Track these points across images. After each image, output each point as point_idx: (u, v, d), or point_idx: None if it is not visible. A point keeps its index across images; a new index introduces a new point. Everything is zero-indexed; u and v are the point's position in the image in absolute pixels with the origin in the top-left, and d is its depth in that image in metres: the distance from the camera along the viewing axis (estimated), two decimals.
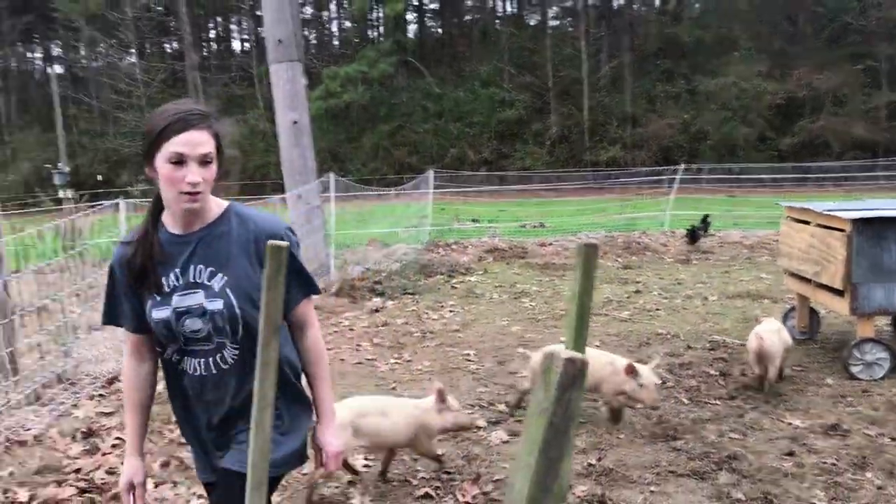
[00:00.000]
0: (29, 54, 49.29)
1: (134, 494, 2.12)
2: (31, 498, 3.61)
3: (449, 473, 3.92)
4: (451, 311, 7.84)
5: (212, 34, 47.19)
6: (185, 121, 1.90)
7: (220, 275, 1.99)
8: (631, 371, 4.38)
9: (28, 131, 39.08)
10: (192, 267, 1.99)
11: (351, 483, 3.87)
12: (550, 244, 12.47)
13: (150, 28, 38.35)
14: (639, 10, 38.93)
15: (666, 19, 36.76)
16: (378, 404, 3.84)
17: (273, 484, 2.17)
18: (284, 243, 1.81)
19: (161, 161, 1.89)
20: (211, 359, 2.05)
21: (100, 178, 31.03)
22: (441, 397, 3.77)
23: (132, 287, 2.02)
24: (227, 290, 2.00)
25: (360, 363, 6.13)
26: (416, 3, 42.42)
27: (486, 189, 17.62)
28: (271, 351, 1.89)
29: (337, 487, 3.81)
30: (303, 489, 3.71)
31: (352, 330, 7.22)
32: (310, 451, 2.25)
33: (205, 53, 43.42)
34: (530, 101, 32.69)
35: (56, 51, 48.17)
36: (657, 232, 13.77)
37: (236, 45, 46.43)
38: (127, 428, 2.17)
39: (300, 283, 2.10)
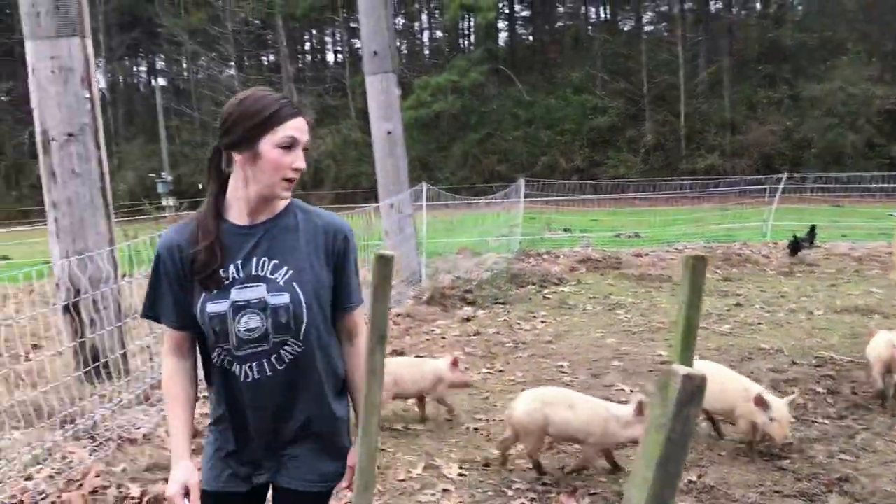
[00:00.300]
0: (135, 68, 51.85)
1: (189, 499, 1.97)
2: (143, 494, 3.77)
3: (545, 485, 3.88)
4: (543, 322, 7.78)
5: (307, 46, 48.51)
6: (295, 106, 1.90)
7: (284, 268, 1.92)
8: (760, 403, 4.01)
9: (133, 142, 41.04)
10: (254, 259, 1.91)
11: (445, 491, 3.89)
12: (646, 255, 12.22)
13: (249, 41, 39.75)
14: (738, 14, 37.81)
15: (767, 22, 35.55)
16: (568, 397, 4.06)
17: (326, 498, 2.10)
18: (392, 253, 1.83)
19: (269, 145, 1.84)
20: (265, 360, 1.95)
21: (200, 186, 32.27)
22: (640, 410, 3.73)
23: (181, 278, 1.92)
24: (294, 284, 1.92)
25: None
26: (507, 12, 42.49)
27: (578, 198, 17.42)
28: (377, 358, 1.92)
29: (433, 495, 3.83)
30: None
31: (443, 338, 7.26)
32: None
33: (300, 65, 44.69)
34: (624, 108, 32.19)
35: (160, 64, 50.58)
36: (758, 243, 13.30)
37: (330, 57, 47.58)
38: (172, 430, 2.01)
39: (350, 290, 2.06)
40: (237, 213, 1.93)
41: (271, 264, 1.91)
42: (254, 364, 1.93)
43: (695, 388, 1.06)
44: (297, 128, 1.87)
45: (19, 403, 4.58)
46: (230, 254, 1.90)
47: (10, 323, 5.83)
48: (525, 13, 44.91)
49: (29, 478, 4.13)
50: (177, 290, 1.94)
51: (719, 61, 33.04)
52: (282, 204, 1.97)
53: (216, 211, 1.93)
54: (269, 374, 1.94)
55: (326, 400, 2.04)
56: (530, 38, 44.75)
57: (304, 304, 1.93)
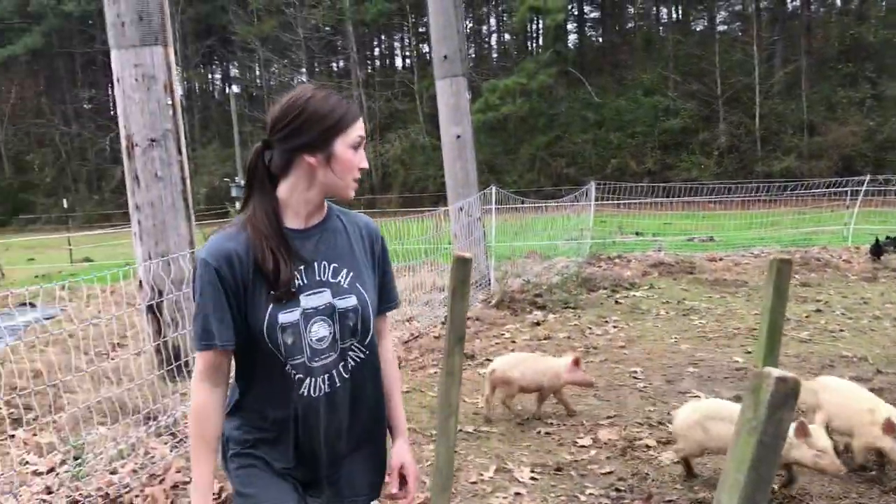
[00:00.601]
0: (210, 76, 53.35)
1: None
2: (221, 490, 3.87)
3: (619, 491, 3.83)
4: (615, 327, 7.68)
5: (376, 52, 49.08)
6: (357, 106, 1.90)
7: (345, 270, 1.88)
8: (891, 429, 3.64)
9: (208, 147, 42.20)
10: (316, 264, 1.85)
11: (517, 494, 3.87)
12: (720, 259, 11.94)
13: (319, 48, 40.45)
14: (816, 11, 36.64)
15: (848, 19, 34.35)
16: (731, 411, 3.83)
17: None
18: (470, 255, 1.86)
19: (344, 146, 1.81)
20: (335, 371, 1.88)
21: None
22: (802, 432, 3.52)
23: (238, 291, 1.78)
24: (358, 286, 1.90)
25: None
26: (576, 13, 42.16)
27: (649, 200, 17.13)
28: (456, 359, 1.93)
29: (505, 498, 3.82)
30: None
31: (513, 342, 7.24)
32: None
33: (369, 70, 45.24)
34: (697, 110, 31.54)
35: (234, 72, 51.93)
36: (839, 247, 12.85)
37: (398, 62, 48.03)
38: (200, 468, 1.83)
39: (391, 289, 2.08)
40: (292, 217, 1.86)
41: (331, 268, 1.87)
42: (325, 376, 1.87)
43: (788, 390, 1.04)
44: (362, 128, 1.87)
45: (105, 400, 4.76)
46: (293, 259, 1.82)
47: (95, 322, 6.07)
48: (594, 14, 44.49)
49: (114, 472, 4.30)
50: (234, 304, 1.79)
51: (796, 60, 32.07)
52: (326, 207, 1.94)
53: (277, 214, 1.84)
54: (338, 384, 1.89)
55: (381, 406, 2.04)
56: (600, 39, 44.29)
57: (370, 306, 1.92)
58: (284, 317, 1.78)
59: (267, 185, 1.85)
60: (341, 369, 1.88)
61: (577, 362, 4.93)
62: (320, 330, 1.83)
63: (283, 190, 1.85)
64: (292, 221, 1.85)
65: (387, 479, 2.05)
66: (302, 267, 1.82)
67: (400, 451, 2.06)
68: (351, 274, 1.88)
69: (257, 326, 1.78)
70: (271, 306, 1.78)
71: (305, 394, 1.84)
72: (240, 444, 1.90)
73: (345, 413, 1.91)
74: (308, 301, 1.82)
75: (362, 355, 1.93)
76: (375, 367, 1.99)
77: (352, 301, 1.86)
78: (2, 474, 4.19)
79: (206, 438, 1.82)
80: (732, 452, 1.12)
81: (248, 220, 1.82)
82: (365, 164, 1.87)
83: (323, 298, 1.84)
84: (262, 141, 1.86)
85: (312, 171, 1.81)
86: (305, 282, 1.82)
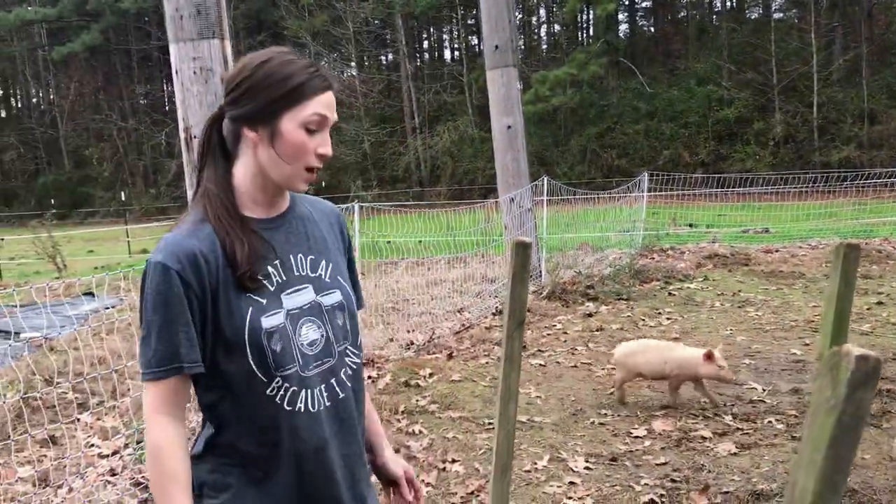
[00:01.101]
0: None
1: None
2: None
3: (675, 482, 3.79)
4: (668, 319, 7.58)
5: (425, 45, 49.14)
6: (325, 78, 1.51)
7: (323, 262, 1.61)
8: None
9: None
10: (292, 256, 1.56)
11: (571, 483, 3.86)
12: (777, 251, 11.69)
13: (369, 41, 40.63)
14: None
15: None
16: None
17: None
18: (529, 240, 1.84)
19: (293, 124, 1.46)
20: (334, 380, 1.58)
21: (323, 184, 33.35)
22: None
23: (204, 298, 1.44)
24: (339, 279, 1.63)
25: (575, 366, 6.10)
26: (627, 3, 41.59)
27: (703, 192, 16.84)
28: (515, 344, 1.93)
29: (559, 487, 3.81)
30: None
31: (565, 333, 7.20)
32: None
33: (418, 63, 45.32)
34: (751, 99, 30.83)
35: None
36: None
37: (447, 55, 48.01)
38: None
39: (358, 286, 1.78)
40: (252, 205, 1.54)
41: (308, 260, 1.59)
42: (322, 386, 1.55)
43: (870, 369, 1.02)
44: (326, 104, 1.50)
45: None
46: (265, 253, 1.52)
47: None
48: (646, 4, 43.79)
49: None
50: (197, 317, 1.45)
51: (856, 47, 31.12)
52: (288, 193, 1.63)
53: (230, 198, 1.52)
54: (341, 395, 1.59)
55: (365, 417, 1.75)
56: (651, 28, 43.62)
57: (353, 300, 1.66)
58: (268, 321, 1.48)
59: (220, 163, 1.54)
60: (343, 377, 1.60)
61: (709, 356, 4.76)
62: (310, 333, 1.54)
63: (237, 171, 1.54)
64: (252, 209, 1.54)
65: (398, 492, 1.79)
66: (277, 262, 1.53)
67: (391, 460, 1.80)
68: (330, 265, 1.62)
69: (237, 336, 1.45)
70: (250, 310, 1.47)
71: (302, 409, 1.51)
72: (219, 489, 1.52)
73: (351, 429, 1.62)
74: (290, 301, 1.52)
75: (357, 360, 1.65)
76: (364, 379, 1.71)
77: (336, 296, 1.61)
78: (69, 456, 4.34)
79: (177, 478, 1.43)
80: (809, 432, 1.10)
81: (205, 208, 1.50)
82: (325, 150, 1.51)
83: (306, 296, 1.55)
84: (218, 107, 1.56)
85: (256, 150, 1.50)
86: (284, 278, 1.53)
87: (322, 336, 1.56)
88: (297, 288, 1.54)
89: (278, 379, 1.48)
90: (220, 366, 1.48)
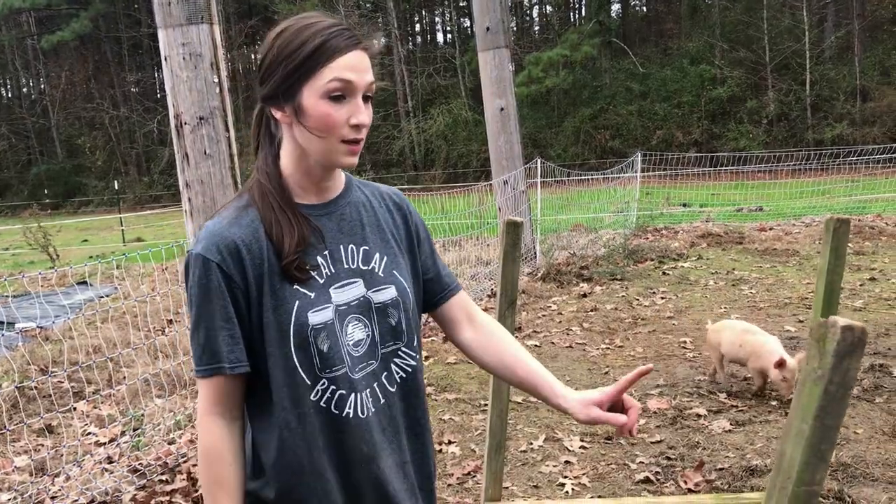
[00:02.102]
0: (253, 56, 53.73)
1: None
2: None
3: (670, 459, 3.82)
4: (662, 298, 7.61)
5: (417, 28, 48.89)
6: (349, 36, 1.33)
7: (377, 254, 1.46)
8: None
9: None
10: (341, 247, 1.42)
11: (567, 462, 3.88)
12: (770, 229, 11.71)
13: (360, 25, 40.45)
14: None
15: None
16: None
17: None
18: (521, 219, 1.81)
19: (314, 96, 1.31)
20: (376, 384, 1.43)
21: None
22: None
23: (249, 291, 1.34)
24: (395, 273, 1.47)
25: (570, 347, 6.12)
26: None
27: (696, 171, 16.85)
28: (507, 322, 1.93)
29: (555, 466, 3.83)
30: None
31: (560, 314, 7.22)
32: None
33: (410, 46, 45.10)
34: (744, 78, 30.77)
35: None
36: (894, 215, 12.50)
37: (440, 38, 47.79)
38: None
39: (443, 267, 1.64)
40: (300, 192, 1.42)
41: (361, 252, 1.44)
42: (368, 391, 1.42)
43: (855, 339, 1.03)
44: (351, 66, 1.31)
45: (163, 373, 4.88)
46: (314, 243, 1.40)
47: (148, 299, 6.22)
48: None
49: (172, 441, 4.42)
50: (243, 312, 1.35)
51: (848, 24, 31.07)
52: (344, 178, 1.51)
53: (284, 187, 1.40)
54: (381, 401, 1.44)
55: (429, 430, 1.56)
56: (644, 8, 43.44)
57: (411, 297, 1.49)
58: (315, 316, 1.35)
59: (270, 149, 1.43)
60: (385, 382, 1.45)
61: (780, 364, 4.38)
62: (356, 332, 1.41)
63: (282, 155, 1.42)
64: (301, 196, 1.42)
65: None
66: (326, 252, 1.40)
67: (609, 389, 1.48)
68: (385, 258, 1.47)
69: (281, 332, 1.34)
70: (297, 303, 1.34)
71: (350, 415, 1.38)
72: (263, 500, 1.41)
73: (402, 439, 1.48)
74: (339, 295, 1.39)
75: (413, 363, 1.49)
76: (422, 381, 1.54)
77: (390, 292, 1.45)
78: (66, 445, 4.34)
79: (223, 483, 1.35)
80: (796, 401, 1.11)
81: (251, 193, 1.40)
82: (360, 119, 1.33)
83: (355, 291, 1.41)
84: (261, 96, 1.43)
85: (290, 130, 1.38)
86: (332, 270, 1.40)
87: (367, 336, 1.42)
88: (346, 282, 1.41)
89: (324, 381, 1.36)
90: (262, 364, 1.37)
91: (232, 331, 1.33)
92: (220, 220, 1.36)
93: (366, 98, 1.35)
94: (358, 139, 1.34)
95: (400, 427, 1.47)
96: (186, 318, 5.73)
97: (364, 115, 1.33)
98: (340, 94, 1.31)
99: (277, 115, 1.37)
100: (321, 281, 1.37)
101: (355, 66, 1.31)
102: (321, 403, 1.36)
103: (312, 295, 1.35)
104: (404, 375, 1.47)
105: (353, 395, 1.38)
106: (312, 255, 1.37)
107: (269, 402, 1.37)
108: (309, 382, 1.35)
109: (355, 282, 1.41)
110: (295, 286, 1.35)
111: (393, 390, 1.45)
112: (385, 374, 1.44)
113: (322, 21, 1.34)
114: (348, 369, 1.38)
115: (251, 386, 1.39)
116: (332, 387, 1.36)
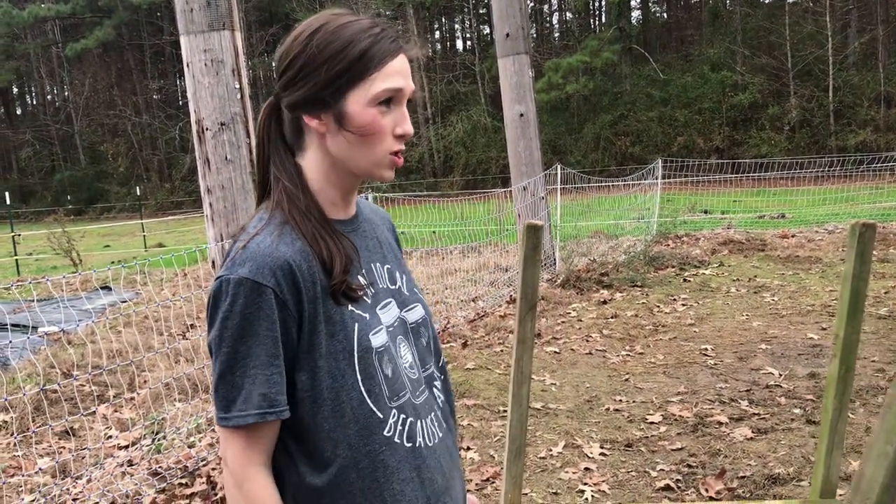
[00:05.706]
0: (274, 63, 54.10)
1: None
2: None
3: (691, 467, 3.78)
4: (683, 305, 7.55)
5: (437, 34, 49.01)
6: (395, 38, 1.23)
7: (397, 273, 1.36)
8: None
9: None
10: (372, 266, 1.31)
11: (587, 469, 3.86)
12: (793, 236, 11.60)
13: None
14: None
15: None
16: None
17: None
18: (541, 222, 1.81)
19: (360, 102, 1.19)
20: (437, 407, 1.35)
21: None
22: None
23: (300, 323, 1.16)
24: (416, 292, 1.40)
25: (590, 353, 6.09)
26: None
27: (718, 178, 16.74)
28: (528, 326, 1.93)
29: (574, 473, 3.81)
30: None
31: (580, 321, 7.18)
32: None
33: (430, 53, 45.21)
34: (766, 84, 30.55)
35: None
36: None
37: (459, 44, 47.89)
38: None
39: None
40: (331, 206, 1.28)
41: (386, 269, 1.34)
42: (431, 416, 1.32)
43: None
44: (399, 71, 1.21)
45: (184, 377, 4.91)
46: (356, 262, 1.27)
47: (170, 304, 6.26)
48: None
49: (192, 445, 4.44)
50: (292, 345, 1.17)
51: (872, 30, 30.77)
52: None
53: (317, 203, 1.25)
54: (443, 424, 1.36)
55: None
56: (664, 14, 43.30)
57: (430, 315, 1.42)
58: (375, 338, 1.23)
59: (289, 158, 1.27)
60: (438, 407, 1.36)
61: None
62: (407, 354, 1.30)
63: (306, 168, 1.26)
64: (332, 212, 1.28)
65: None
66: (363, 271, 1.28)
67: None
68: (404, 276, 1.38)
69: (343, 360, 1.18)
70: (356, 326, 1.21)
71: (421, 445, 1.26)
72: None
73: (451, 466, 1.36)
74: (384, 316, 1.28)
75: (442, 383, 1.42)
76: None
77: (419, 311, 1.37)
78: (88, 447, 4.38)
79: None
80: (882, 423, 1.09)
81: (282, 209, 1.22)
82: (404, 129, 1.24)
83: (394, 311, 1.31)
84: (273, 96, 1.28)
85: (322, 140, 1.24)
86: (373, 290, 1.29)
87: (413, 357, 1.32)
88: (385, 302, 1.29)
89: (394, 411, 1.22)
90: (308, 403, 1.18)
91: (280, 368, 1.15)
92: (264, 238, 1.17)
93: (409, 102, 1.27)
94: (401, 150, 1.25)
95: (453, 451, 1.38)
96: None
97: (409, 124, 1.24)
98: (391, 99, 1.21)
99: (312, 123, 1.22)
100: (369, 301, 1.25)
101: (403, 72, 1.22)
102: (395, 437, 1.23)
103: (367, 316, 1.23)
104: (442, 399, 1.38)
105: (419, 423, 1.27)
106: (354, 275, 1.24)
107: (322, 444, 1.18)
108: (381, 415, 1.21)
109: (390, 301, 1.31)
110: (350, 307, 1.21)
111: (440, 413, 1.35)
112: (439, 399, 1.36)
113: (359, 19, 1.23)
114: (410, 394, 1.27)
115: (293, 429, 1.20)
116: (402, 415, 1.24)
